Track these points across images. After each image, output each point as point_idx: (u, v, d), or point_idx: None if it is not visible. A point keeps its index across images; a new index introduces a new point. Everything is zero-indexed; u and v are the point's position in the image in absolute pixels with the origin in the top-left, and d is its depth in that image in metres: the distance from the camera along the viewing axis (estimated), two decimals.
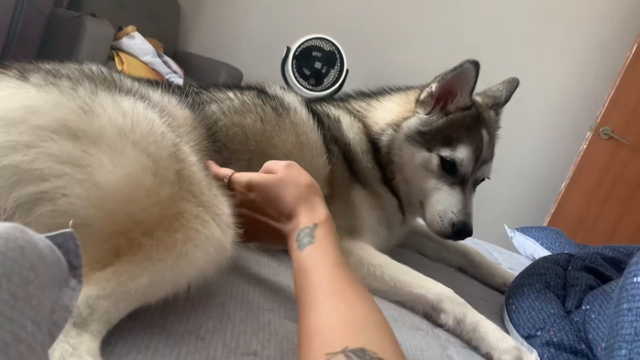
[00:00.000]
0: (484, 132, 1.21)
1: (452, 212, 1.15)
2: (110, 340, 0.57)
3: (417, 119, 1.19)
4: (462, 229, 1.16)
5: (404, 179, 1.21)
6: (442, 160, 1.15)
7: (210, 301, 0.73)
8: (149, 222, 0.59)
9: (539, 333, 0.99)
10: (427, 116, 1.19)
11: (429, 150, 1.17)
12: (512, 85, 1.35)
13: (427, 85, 1.21)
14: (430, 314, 1.01)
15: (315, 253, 0.72)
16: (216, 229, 0.65)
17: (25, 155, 0.55)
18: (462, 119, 1.19)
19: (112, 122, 0.61)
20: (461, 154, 1.15)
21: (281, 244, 0.83)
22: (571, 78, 3.60)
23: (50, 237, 0.43)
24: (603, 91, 3.38)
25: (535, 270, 1.22)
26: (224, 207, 0.69)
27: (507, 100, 1.34)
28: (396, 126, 1.20)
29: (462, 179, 1.18)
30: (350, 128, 1.22)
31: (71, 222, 0.47)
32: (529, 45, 3.51)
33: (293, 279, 0.74)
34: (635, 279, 0.69)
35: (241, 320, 0.72)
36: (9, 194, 0.53)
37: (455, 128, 1.18)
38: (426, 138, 1.17)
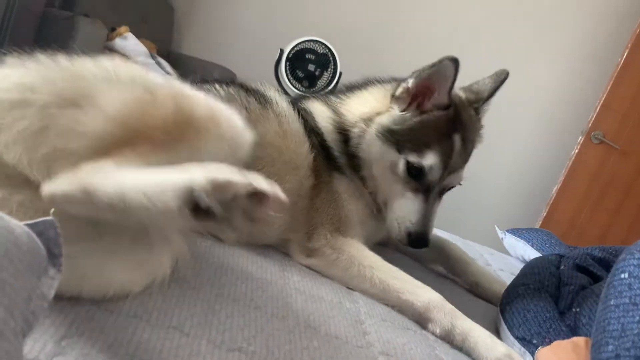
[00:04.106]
0: (457, 139, 1.16)
1: (410, 222, 1.14)
2: (92, 334, 0.56)
3: (390, 116, 1.16)
4: (417, 240, 1.15)
5: (371, 175, 1.17)
6: (409, 165, 1.13)
7: (195, 297, 0.73)
8: (163, 126, 0.63)
9: (534, 341, 0.98)
10: (401, 113, 1.15)
11: (399, 151, 1.13)
12: (499, 78, 1.28)
13: (404, 80, 1.17)
14: (419, 322, 1.00)
15: None
16: (227, 128, 0.70)
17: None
18: (435, 121, 1.15)
19: (96, 69, 0.66)
20: (429, 160, 1.12)
21: None
22: (563, 82, 3.62)
23: (29, 225, 0.42)
24: (595, 96, 3.40)
25: (529, 270, 1.22)
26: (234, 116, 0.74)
27: (490, 95, 1.28)
28: (368, 120, 1.17)
29: (428, 187, 1.15)
30: (319, 117, 1.21)
31: (52, 210, 0.47)
32: (521, 48, 3.53)
33: None
34: (622, 275, 0.69)
35: (227, 316, 0.71)
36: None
37: (426, 131, 1.14)
38: (397, 138, 1.13)
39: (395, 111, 1.16)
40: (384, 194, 1.18)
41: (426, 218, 1.15)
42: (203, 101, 0.70)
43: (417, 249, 1.24)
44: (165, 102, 0.65)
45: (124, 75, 0.66)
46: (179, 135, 0.63)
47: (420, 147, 1.12)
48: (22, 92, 0.60)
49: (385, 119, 1.15)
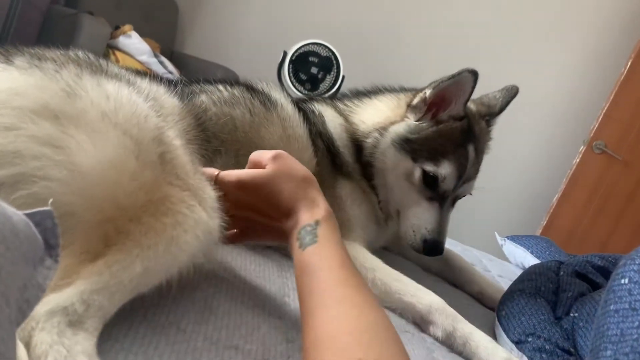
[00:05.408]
0: (471, 149, 1.18)
1: (426, 229, 1.15)
2: None
3: (406, 125, 1.17)
4: (433, 247, 1.16)
5: (384, 184, 1.18)
6: (425, 173, 1.14)
7: (193, 294, 0.72)
8: (135, 208, 0.58)
9: (529, 339, 0.98)
10: (417, 123, 1.16)
11: (414, 160, 1.15)
12: (510, 93, 1.31)
13: (421, 90, 1.18)
14: (420, 324, 0.99)
15: (319, 253, 0.68)
16: (202, 212, 0.63)
17: (4, 137, 0.54)
18: (451, 132, 1.16)
19: (95, 104, 0.60)
20: (444, 170, 1.14)
21: (280, 241, 0.79)
22: (566, 92, 3.62)
23: (27, 214, 0.42)
24: (597, 106, 3.40)
25: (527, 277, 1.22)
26: (209, 191, 0.68)
27: (502, 110, 1.31)
28: (383, 129, 1.17)
29: (442, 195, 1.16)
30: (331, 122, 1.21)
31: (50, 200, 0.46)
32: (525, 57, 3.53)
33: (295, 279, 0.69)
34: (622, 281, 0.69)
35: (224, 313, 0.71)
36: None
37: (442, 140, 1.15)
38: (412, 147, 1.14)
39: (411, 120, 1.17)
40: (398, 202, 1.19)
41: (441, 226, 1.17)
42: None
43: (431, 257, 1.24)
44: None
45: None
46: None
47: (436, 157, 1.14)
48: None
49: (401, 128, 1.16)
